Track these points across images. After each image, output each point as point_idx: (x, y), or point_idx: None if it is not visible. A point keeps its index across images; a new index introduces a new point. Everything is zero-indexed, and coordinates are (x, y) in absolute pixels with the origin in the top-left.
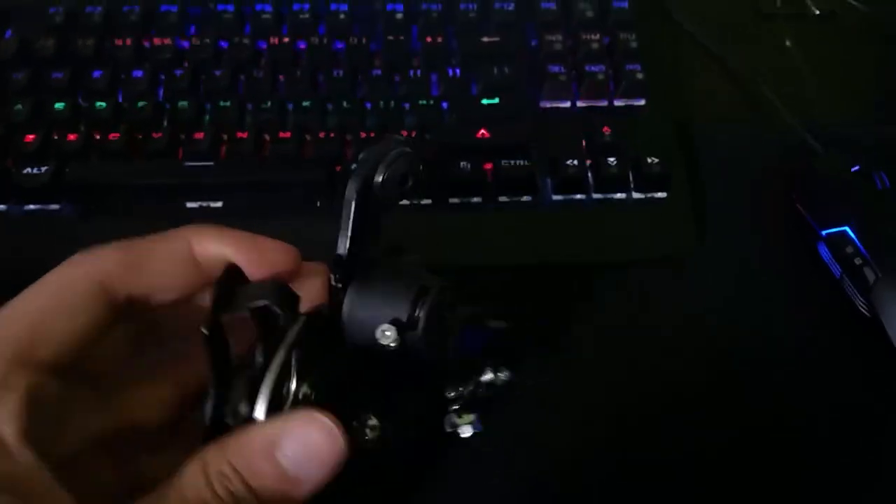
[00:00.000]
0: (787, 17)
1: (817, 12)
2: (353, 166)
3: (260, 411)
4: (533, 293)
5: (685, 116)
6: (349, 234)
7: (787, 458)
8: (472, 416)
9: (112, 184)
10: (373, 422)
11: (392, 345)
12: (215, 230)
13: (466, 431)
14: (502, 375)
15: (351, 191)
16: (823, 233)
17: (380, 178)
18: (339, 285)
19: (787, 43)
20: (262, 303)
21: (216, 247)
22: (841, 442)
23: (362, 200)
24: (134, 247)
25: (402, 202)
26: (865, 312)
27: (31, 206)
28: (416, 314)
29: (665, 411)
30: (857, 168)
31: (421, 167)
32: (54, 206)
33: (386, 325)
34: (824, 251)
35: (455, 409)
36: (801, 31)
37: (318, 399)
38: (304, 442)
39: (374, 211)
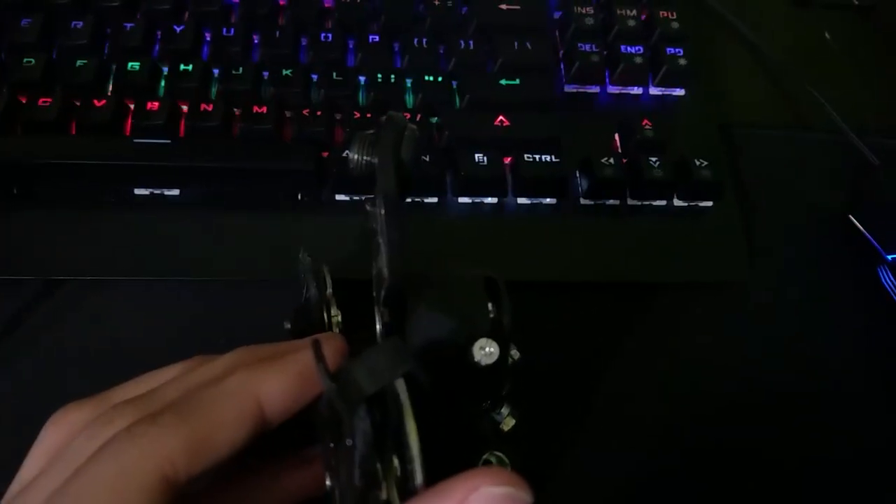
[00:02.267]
0: (825, 6)
1: (856, 3)
2: (357, 156)
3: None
4: (554, 313)
5: (725, 113)
6: (398, 250)
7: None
8: (507, 409)
9: (41, 163)
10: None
11: (490, 361)
12: (277, 373)
13: (509, 423)
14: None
15: (389, 184)
16: (889, 257)
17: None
18: (391, 319)
19: (827, 35)
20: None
21: (282, 393)
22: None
23: (400, 200)
24: (197, 418)
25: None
26: None
27: None
28: (499, 316)
29: (709, 457)
30: None
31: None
32: None
33: (483, 341)
34: (887, 277)
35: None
36: (840, 23)
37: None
38: None
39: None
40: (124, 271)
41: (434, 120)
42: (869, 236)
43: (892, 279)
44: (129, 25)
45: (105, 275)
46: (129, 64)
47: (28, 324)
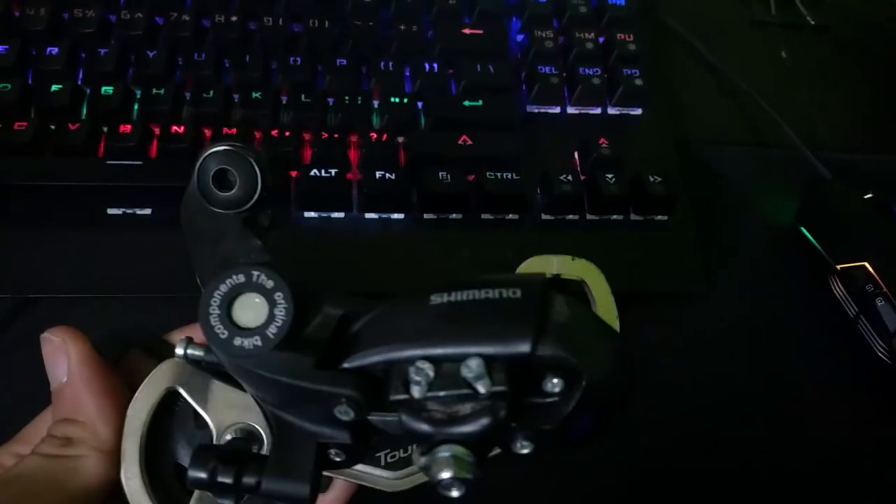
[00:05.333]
0: (782, 26)
1: (812, 23)
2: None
3: None
4: None
5: (682, 130)
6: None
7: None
8: None
9: (17, 184)
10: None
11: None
12: None
13: None
14: None
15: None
16: (839, 267)
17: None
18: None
19: (783, 54)
20: None
21: None
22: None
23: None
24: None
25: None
26: (885, 358)
27: None
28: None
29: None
30: (869, 196)
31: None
32: None
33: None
34: (837, 287)
35: None
36: (796, 42)
37: None
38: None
39: None
40: (99, 289)
41: (400, 139)
42: (819, 247)
43: (842, 288)
44: (103, 51)
45: (80, 293)
46: (103, 88)
47: (3, 342)
